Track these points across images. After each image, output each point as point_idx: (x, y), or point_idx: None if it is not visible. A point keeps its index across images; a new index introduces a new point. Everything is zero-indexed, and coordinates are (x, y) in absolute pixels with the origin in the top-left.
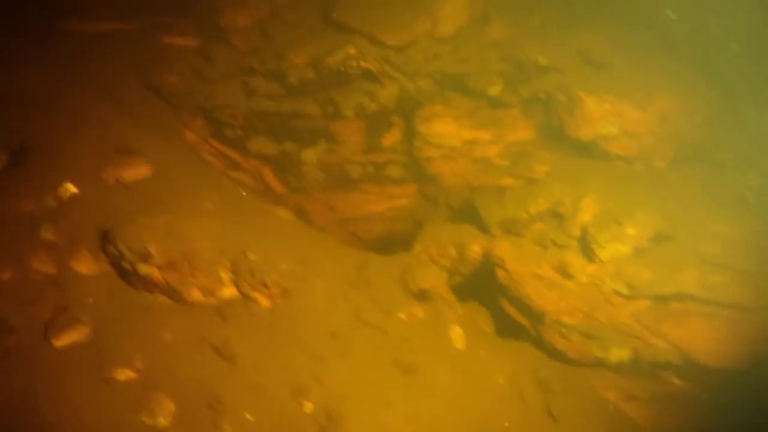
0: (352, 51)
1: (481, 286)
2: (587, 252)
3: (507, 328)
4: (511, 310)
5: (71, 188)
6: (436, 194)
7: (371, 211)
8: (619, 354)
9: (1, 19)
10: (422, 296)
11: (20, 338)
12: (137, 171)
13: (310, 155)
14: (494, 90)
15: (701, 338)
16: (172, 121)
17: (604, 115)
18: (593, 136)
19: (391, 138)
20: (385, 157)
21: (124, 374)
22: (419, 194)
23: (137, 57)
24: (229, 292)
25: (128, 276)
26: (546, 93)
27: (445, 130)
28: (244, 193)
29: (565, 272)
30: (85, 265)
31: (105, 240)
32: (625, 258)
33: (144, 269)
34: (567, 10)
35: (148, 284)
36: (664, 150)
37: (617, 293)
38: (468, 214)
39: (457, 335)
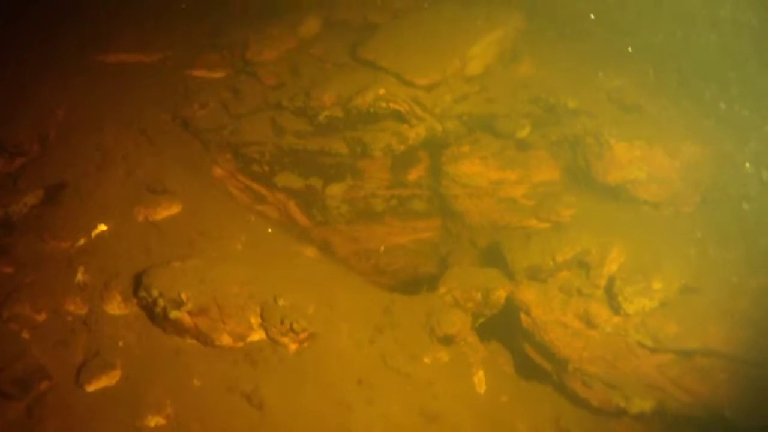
0: (381, 92)
1: (504, 327)
2: (613, 304)
3: (528, 370)
4: (534, 355)
5: (102, 227)
6: (459, 230)
7: (394, 243)
8: (641, 405)
9: (29, 51)
10: (447, 341)
11: (54, 383)
12: (167, 210)
13: (335, 190)
14: (523, 133)
15: (725, 394)
16: (200, 155)
17: (634, 161)
18: (621, 180)
19: (416, 173)
20: (409, 192)
21: (154, 421)
22: (443, 228)
23: (163, 89)
24: (257, 336)
25: (158, 319)
26: (574, 136)
27: (472, 170)
28: (270, 230)
29: (589, 322)
30: (116, 306)
31: (137, 284)
32: (651, 311)
33: (175, 314)
34: (596, 51)
35: (178, 328)
36: (692, 195)
37: (642, 345)
38: (493, 255)
39: (480, 380)
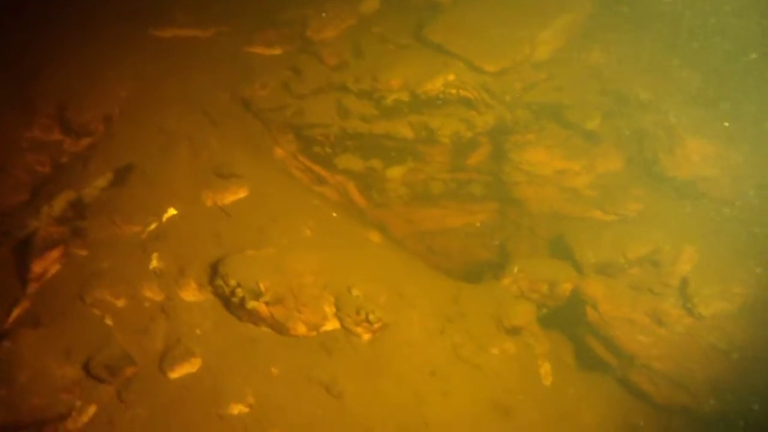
0: (451, 78)
1: (566, 318)
2: (687, 305)
3: (591, 362)
4: (599, 348)
5: (172, 211)
6: (518, 217)
7: (449, 225)
8: (710, 406)
9: (85, 28)
10: (514, 332)
11: (139, 369)
12: (234, 194)
13: (395, 172)
14: (592, 124)
15: None
16: (261, 136)
17: (707, 158)
18: (691, 177)
19: (476, 158)
20: (468, 176)
21: (237, 409)
22: (499, 213)
23: (221, 67)
24: (331, 325)
25: (234, 308)
26: (644, 129)
27: (537, 158)
28: (334, 214)
29: (659, 320)
30: (191, 294)
31: (213, 273)
32: (729, 315)
33: (253, 304)
34: (670, 37)
35: (254, 317)
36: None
37: (715, 348)
38: (558, 247)
39: (546, 372)
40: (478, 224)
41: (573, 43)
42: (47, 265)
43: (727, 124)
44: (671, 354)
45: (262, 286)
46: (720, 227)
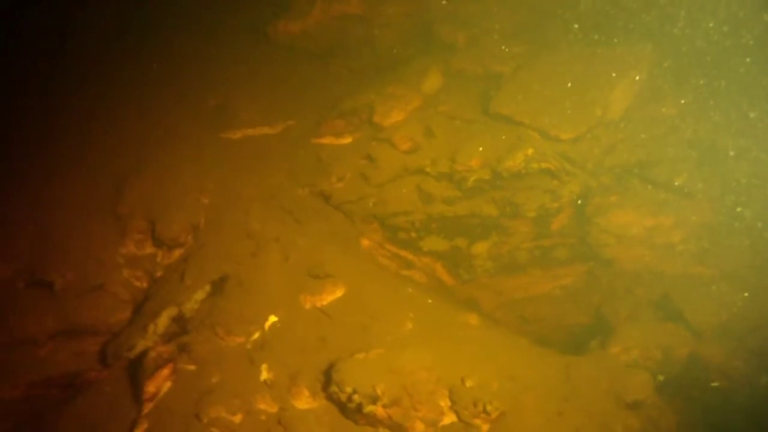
0: (530, 152)
1: (687, 385)
2: None
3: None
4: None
5: (273, 318)
6: (611, 278)
7: (537, 292)
8: None
9: (158, 132)
10: (635, 406)
11: None
12: (332, 294)
13: (480, 248)
14: (680, 179)
15: None
16: (345, 228)
17: None
18: None
19: (559, 222)
20: (552, 241)
21: None
22: (588, 275)
23: (294, 161)
24: (449, 419)
25: (350, 413)
26: (737, 181)
27: (625, 219)
28: (430, 301)
29: None
30: (305, 401)
31: (328, 381)
32: None
33: (370, 408)
34: (739, 81)
35: (370, 420)
36: None
37: None
38: (664, 307)
39: None
40: (565, 288)
41: (641, 98)
42: (159, 383)
43: None
44: None
45: (378, 390)
46: None
